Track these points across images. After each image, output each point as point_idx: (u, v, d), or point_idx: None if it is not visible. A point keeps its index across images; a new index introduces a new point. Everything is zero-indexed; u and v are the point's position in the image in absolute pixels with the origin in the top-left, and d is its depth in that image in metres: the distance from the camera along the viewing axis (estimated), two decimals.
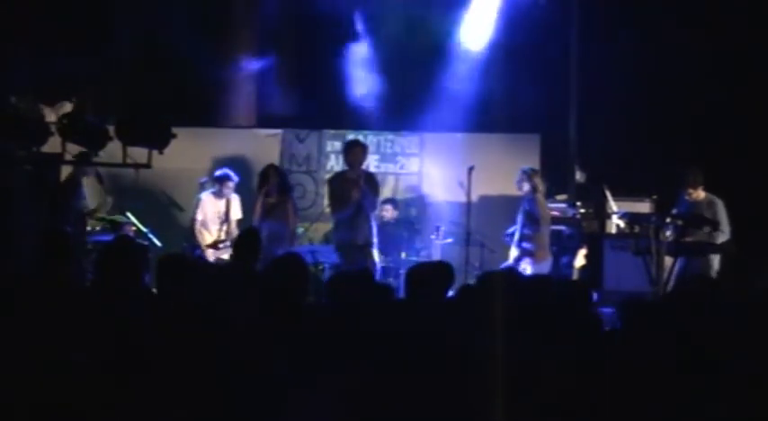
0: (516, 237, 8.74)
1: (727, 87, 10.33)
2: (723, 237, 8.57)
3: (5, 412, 3.66)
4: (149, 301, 4.30)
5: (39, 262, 4.47)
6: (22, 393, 3.69)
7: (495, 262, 9.25)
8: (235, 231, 9.16)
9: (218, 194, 9.32)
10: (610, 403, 3.77)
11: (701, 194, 8.75)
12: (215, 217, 9.29)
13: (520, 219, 8.75)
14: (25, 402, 3.67)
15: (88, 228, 8.98)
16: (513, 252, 8.75)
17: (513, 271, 6.13)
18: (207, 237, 9.23)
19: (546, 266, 8.66)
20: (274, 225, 8.88)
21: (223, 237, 9.14)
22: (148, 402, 3.73)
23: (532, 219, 8.65)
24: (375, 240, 8.67)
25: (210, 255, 9.08)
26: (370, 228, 8.61)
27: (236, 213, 9.40)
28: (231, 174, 9.35)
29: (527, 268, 8.51)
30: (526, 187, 8.74)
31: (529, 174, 8.79)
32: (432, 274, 4.87)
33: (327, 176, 9.90)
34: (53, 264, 4.35)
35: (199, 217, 9.31)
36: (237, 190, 9.59)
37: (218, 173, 9.41)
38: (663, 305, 4.83)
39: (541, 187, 8.84)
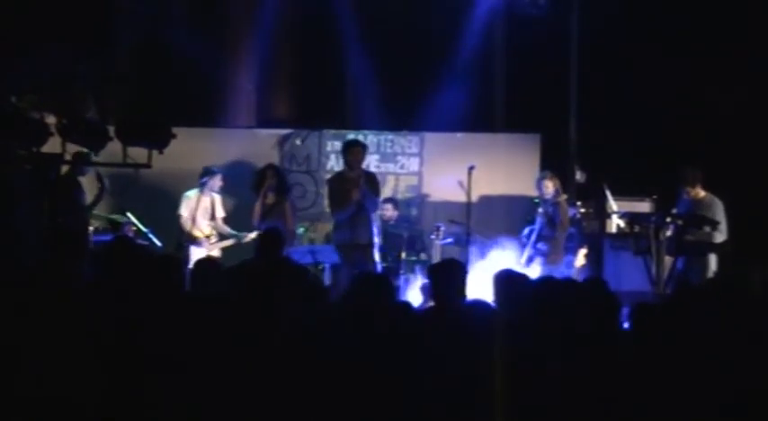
0: (533, 237, 8.73)
1: (728, 87, 10.33)
2: (721, 236, 8.57)
3: (6, 408, 3.67)
4: (150, 301, 4.29)
5: (45, 260, 4.49)
6: (21, 390, 3.70)
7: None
8: (223, 228, 9.37)
9: (204, 187, 9.31)
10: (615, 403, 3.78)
11: (699, 193, 8.75)
12: (204, 212, 9.32)
13: (539, 220, 8.74)
14: (25, 399, 3.68)
15: (90, 229, 8.99)
16: (527, 252, 8.73)
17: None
18: (197, 233, 9.26)
19: (558, 269, 8.65)
20: (272, 225, 8.87)
21: (214, 232, 9.26)
22: (148, 401, 3.74)
23: (552, 224, 8.66)
24: (377, 240, 8.63)
25: (203, 250, 9.09)
26: (371, 227, 8.55)
27: (220, 212, 9.50)
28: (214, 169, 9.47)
29: (538, 269, 8.51)
30: (551, 190, 8.73)
31: (551, 178, 8.79)
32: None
33: (327, 177, 9.89)
34: (59, 263, 4.37)
35: (184, 213, 9.31)
36: (238, 190, 9.60)
37: (206, 166, 9.47)
38: (668, 307, 4.83)
39: (560, 190, 8.86)
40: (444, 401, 3.79)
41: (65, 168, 8.52)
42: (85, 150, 8.02)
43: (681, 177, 8.79)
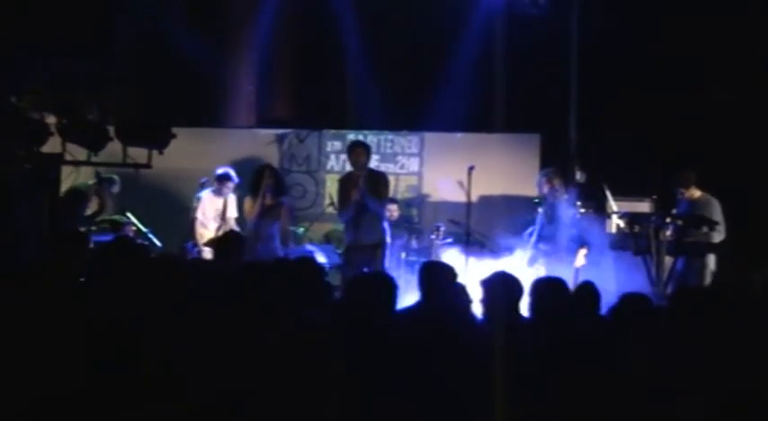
0: (533, 238, 8.70)
1: (728, 87, 10.33)
2: (719, 236, 8.57)
3: (6, 408, 3.67)
4: (150, 300, 4.30)
5: (45, 260, 4.50)
6: (21, 390, 3.70)
7: None
8: (233, 228, 9.19)
9: (218, 193, 9.35)
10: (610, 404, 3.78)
11: (695, 193, 8.75)
12: (215, 215, 9.32)
13: (540, 220, 8.71)
14: (25, 399, 3.68)
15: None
16: (529, 252, 8.71)
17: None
18: (206, 235, 9.23)
19: (561, 269, 8.60)
20: (268, 225, 8.85)
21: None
22: (147, 401, 3.74)
23: (554, 223, 8.64)
24: (388, 240, 8.45)
25: (208, 252, 9.07)
26: (378, 228, 8.38)
27: (233, 212, 9.42)
28: (232, 173, 9.39)
29: (541, 269, 8.48)
30: (546, 189, 8.71)
31: (550, 177, 8.76)
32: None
33: (333, 177, 9.90)
34: (59, 263, 4.38)
35: (199, 216, 9.31)
36: (237, 189, 9.61)
37: (219, 171, 9.41)
38: (665, 306, 4.84)
39: (562, 189, 8.83)
40: (435, 399, 3.80)
41: (72, 177, 8.57)
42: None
43: (674, 180, 8.81)
